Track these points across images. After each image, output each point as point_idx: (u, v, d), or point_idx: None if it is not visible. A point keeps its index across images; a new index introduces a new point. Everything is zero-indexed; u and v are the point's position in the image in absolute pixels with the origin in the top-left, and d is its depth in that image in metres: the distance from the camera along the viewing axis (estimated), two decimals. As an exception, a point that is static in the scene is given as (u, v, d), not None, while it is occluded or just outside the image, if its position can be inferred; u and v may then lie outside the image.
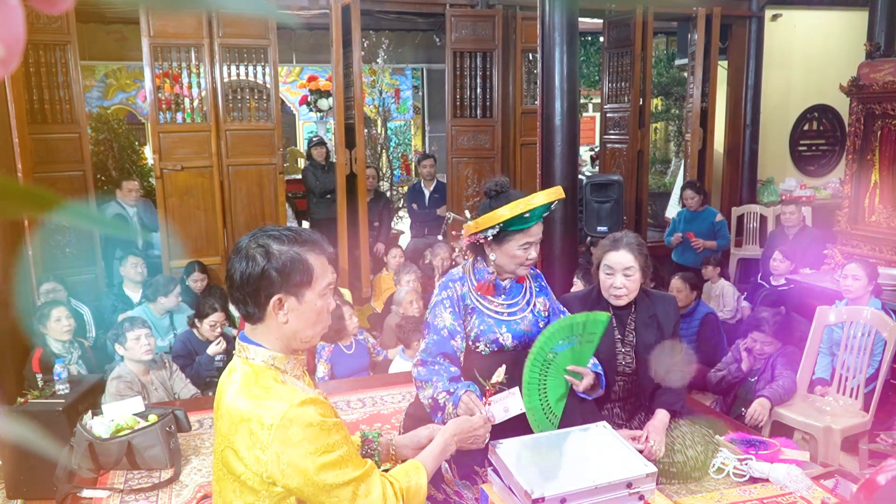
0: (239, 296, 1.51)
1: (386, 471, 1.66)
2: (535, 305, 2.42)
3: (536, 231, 2.25)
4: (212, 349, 3.92)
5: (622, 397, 2.66)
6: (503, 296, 2.37)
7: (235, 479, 1.47)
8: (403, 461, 1.81)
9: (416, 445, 1.86)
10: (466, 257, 2.50)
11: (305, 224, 7.26)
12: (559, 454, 2.09)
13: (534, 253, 2.27)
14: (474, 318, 2.33)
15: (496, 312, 2.35)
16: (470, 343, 2.36)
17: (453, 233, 2.44)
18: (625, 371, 2.60)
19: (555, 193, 2.26)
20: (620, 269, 2.51)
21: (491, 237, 2.27)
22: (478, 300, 2.34)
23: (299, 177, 7.97)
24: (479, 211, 2.34)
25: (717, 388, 3.76)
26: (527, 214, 2.20)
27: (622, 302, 2.57)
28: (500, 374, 2.03)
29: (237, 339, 1.59)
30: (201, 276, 5.04)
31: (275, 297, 1.48)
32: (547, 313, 2.44)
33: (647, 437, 2.41)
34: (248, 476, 1.45)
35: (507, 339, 2.34)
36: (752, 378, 3.62)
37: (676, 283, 4.47)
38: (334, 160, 6.83)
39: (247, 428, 1.43)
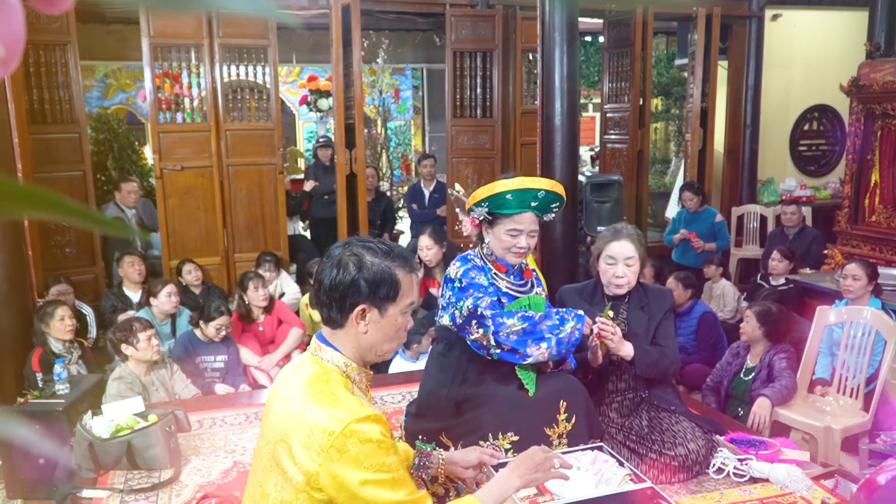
0: (325, 300, 1.56)
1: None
2: (537, 294, 2.49)
3: (526, 220, 2.30)
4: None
5: (619, 389, 2.67)
6: (513, 276, 2.43)
7: (281, 474, 1.48)
8: (450, 478, 1.86)
9: (466, 464, 1.88)
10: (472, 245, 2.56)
11: (300, 225, 7.24)
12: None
13: (523, 242, 2.32)
14: (494, 292, 2.39)
15: (510, 289, 2.42)
16: None
17: (456, 210, 2.57)
18: (617, 357, 2.62)
19: (545, 184, 2.32)
20: (622, 259, 2.56)
21: (482, 218, 2.36)
22: (495, 277, 2.40)
23: (302, 176, 7.94)
24: None
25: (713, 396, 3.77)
26: (508, 196, 2.26)
27: (622, 291, 2.61)
28: (608, 310, 2.44)
29: (314, 337, 1.62)
30: (193, 267, 5.03)
31: (359, 307, 1.53)
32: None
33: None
34: (294, 474, 1.46)
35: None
36: (746, 377, 3.61)
37: (670, 282, 4.48)
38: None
39: (307, 429, 1.44)
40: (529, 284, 2.49)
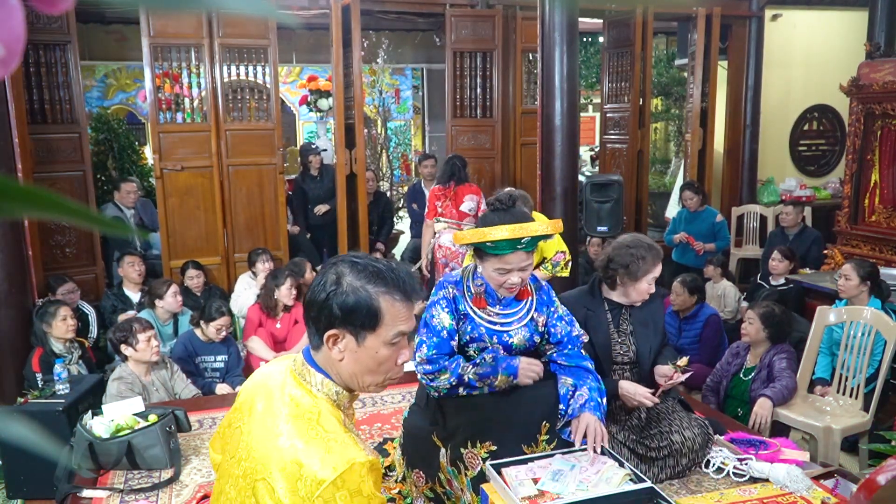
0: (306, 315, 1.42)
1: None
2: (532, 319, 2.35)
3: (514, 259, 2.16)
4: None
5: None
6: (498, 306, 2.31)
7: None
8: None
9: None
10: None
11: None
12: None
13: (514, 279, 2.19)
14: (466, 324, 2.30)
15: (489, 322, 2.30)
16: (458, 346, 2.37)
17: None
18: (623, 360, 2.63)
19: (537, 228, 2.16)
20: (654, 280, 2.59)
21: (470, 251, 2.28)
22: (471, 307, 2.30)
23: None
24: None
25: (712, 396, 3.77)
26: (489, 244, 2.13)
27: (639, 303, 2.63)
28: (684, 360, 2.50)
29: (301, 354, 1.45)
30: (196, 273, 5.04)
31: (330, 332, 1.35)
32: (544, 328, 2.38)
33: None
34: None
35: (498, 350, 2.31)
36: (745, 377, 3.61)
37: (676, 286, 4.46)
38: (327, 164, 6.82)
39: (296, 474, 1.29)
40: (524, 310, 2.34)
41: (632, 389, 2.50)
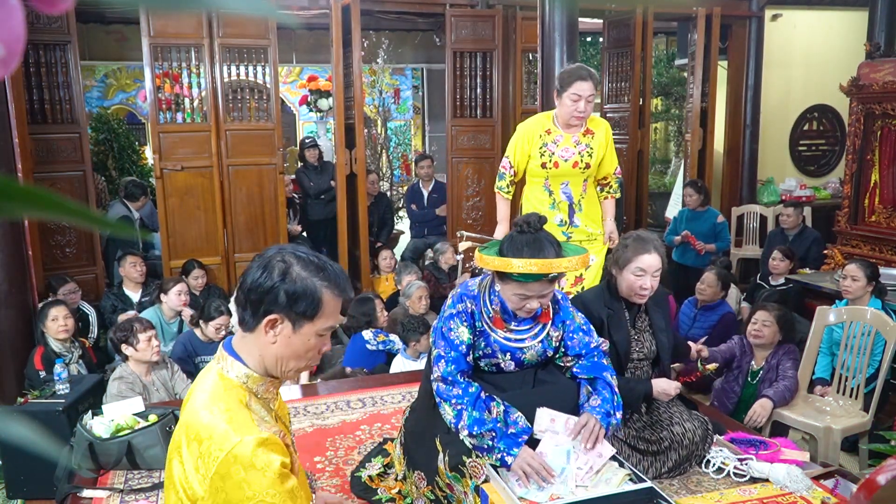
0: (242, 299, 1.48)
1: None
2: (547, 335, 2.30)
3: (536, 287, 2.10)
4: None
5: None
6: (514, 322, 2.27)
7: (175, 491, 1.43)
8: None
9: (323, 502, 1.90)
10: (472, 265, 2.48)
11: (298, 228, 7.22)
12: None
13: (533, 304, 2.14)
14: (480, 339, 2.27)
15: (503, 338, 2.27)
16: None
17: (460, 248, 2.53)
18: (638, 357, 2.64)
19: (566, 264, 2.09)
20: (651, 272, 2.51)
21: (491, 272, 2.23)
22: (488, 325, 2.26)
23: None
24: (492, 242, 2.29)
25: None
26: (514, 274, 2.09)
27: (644, 300, 2.59)
28: (713, 366, 2.87)
29: (221, 346, 1.54)
30: (201, 273, 5.05)
31: (271, 316, 1.44)
32: (559, 343, 2.34)
33: None
34: (185, 492, 1.41)
35: (510, 365, 2.29)
36: (752, 381, 3.62)
37: (709, 278, 4.58)
38: (328, 160, 6.84)
39: (197, 447, 1.39)
40: (539, 326, 2.28)
41: (664, 385, 2.55)
